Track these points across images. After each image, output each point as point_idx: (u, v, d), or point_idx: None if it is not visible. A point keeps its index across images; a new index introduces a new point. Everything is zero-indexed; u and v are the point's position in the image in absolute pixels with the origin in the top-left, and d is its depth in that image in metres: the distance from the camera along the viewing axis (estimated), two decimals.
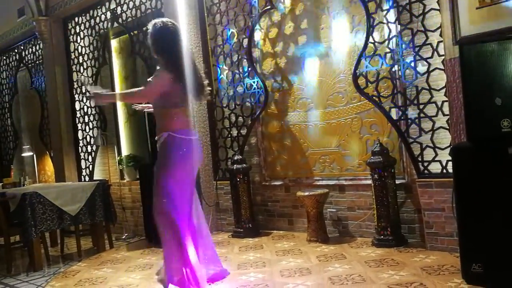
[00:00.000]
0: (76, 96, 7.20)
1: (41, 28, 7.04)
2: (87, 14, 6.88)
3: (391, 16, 4.08)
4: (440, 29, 3.72)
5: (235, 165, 5.06)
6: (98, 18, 6.73)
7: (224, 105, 5.55)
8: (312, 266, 3.69)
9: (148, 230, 5.37)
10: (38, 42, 7.70)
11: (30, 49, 8.09)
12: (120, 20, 6.30)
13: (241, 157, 5.15)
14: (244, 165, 5.10)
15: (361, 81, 4.28)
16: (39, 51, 7.80)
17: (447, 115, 3.74)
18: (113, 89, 6.85)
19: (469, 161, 2.92)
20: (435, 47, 3.82)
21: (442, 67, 3.76)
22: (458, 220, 3.00)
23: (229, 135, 5.54)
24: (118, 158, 6.58)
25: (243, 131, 5.40)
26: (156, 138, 3.37)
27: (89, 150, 7.05)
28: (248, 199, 5.08)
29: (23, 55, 8.27)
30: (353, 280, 3.24)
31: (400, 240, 4.03)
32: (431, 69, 3.86)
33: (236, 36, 5.35)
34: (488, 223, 2.83)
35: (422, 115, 3.94)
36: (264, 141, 5.30)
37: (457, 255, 3.24)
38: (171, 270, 3.23)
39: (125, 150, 6.71)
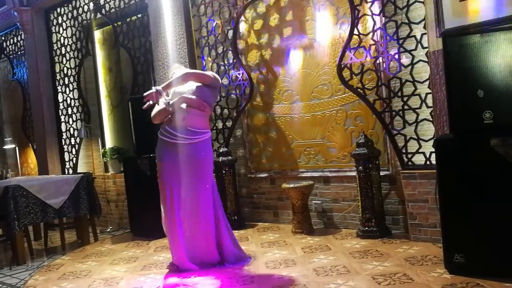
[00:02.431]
0: (59, 87, 7.10)
1: (22, 18, 6.91)
2: (70, 5, 6.78)
3: (376, 8, 4.09)
4: (424, 22, 3.74)
5: (220, 158, 5.04)
6: (80, 9, 6.63)
7: None
8: (297, 258, 3.71)
9: (132, 223, 5.34)
10: (20, 33, 7.56)
11: (12, 40, 7.94)
12: (103, 11, 6.22)
13: (226, 149, 5.13)
14: (230, 157, 5.09)
15: (346, 73, 4.28)
16: (21, 41, 7.66)
17: (430, 107, 3.77)
18: (96, 82, 6.79)
19: (452, 152, 2.94)
20: (419, 40, 3.84)
21: (425, 59, 3.78)
22: (441, 211, 3.03)
23: (215, 128, 5.52)
24: (102, 150, 6.52)
25: (229, 124, 5.38)
26: (194, 135, 3.62)
27: (73, 143, 6.98)
28: (233, 192, 5.08)
29: (4, 45, 8.11)
30: (337, 271, 3.26)
31: (384, 231, 4.07)
32: (415, 61, 3.88)
33: (221, 28, 5.31)
34: (471, 214, 2.87)
35: (406, 107, 3.96)
36: (249, 133, 5.30)
37: (440, 245, 3.27)
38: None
39: (109, 143, 6.65)
